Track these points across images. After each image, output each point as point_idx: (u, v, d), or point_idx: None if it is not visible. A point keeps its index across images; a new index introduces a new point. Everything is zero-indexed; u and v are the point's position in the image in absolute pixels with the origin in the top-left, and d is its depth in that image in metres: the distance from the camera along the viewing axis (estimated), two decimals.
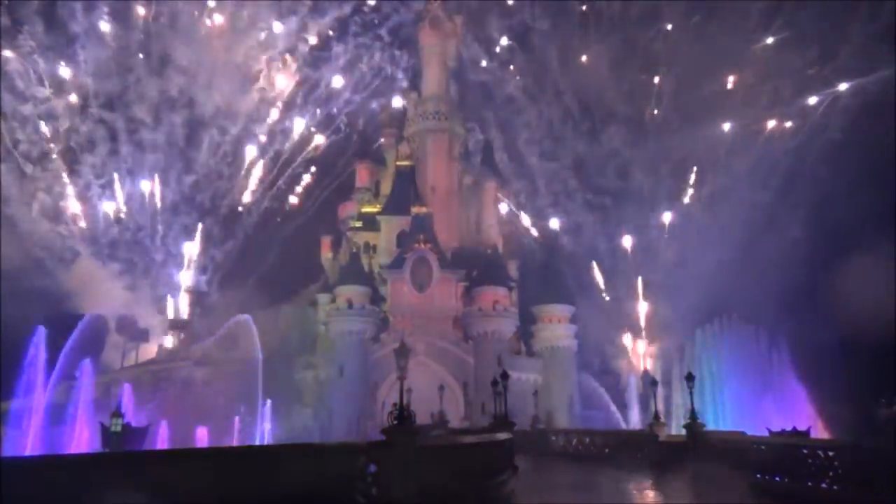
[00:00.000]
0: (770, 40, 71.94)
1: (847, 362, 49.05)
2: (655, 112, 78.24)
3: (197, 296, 71.31)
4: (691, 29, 74.54)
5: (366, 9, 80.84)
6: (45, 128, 71.49)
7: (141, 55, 75.22)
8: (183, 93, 75.39)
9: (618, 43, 78.42)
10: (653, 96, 78.70)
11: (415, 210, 60.81)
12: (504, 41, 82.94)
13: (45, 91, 71.29)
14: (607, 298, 70.51)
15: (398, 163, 66.72)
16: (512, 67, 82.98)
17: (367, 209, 66.12)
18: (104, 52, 73.18)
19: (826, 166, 63.65)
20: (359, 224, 65.05)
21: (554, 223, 75.33)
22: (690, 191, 76.64)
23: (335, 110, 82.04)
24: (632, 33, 78.28)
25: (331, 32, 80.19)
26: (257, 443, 44.51)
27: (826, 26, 64.76)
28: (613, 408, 58.73)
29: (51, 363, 54.65)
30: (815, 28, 65.79)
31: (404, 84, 79.88)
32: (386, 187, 68.18)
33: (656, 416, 29.42)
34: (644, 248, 72.98)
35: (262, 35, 78.24)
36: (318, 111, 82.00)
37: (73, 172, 72.71)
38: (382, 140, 74.70)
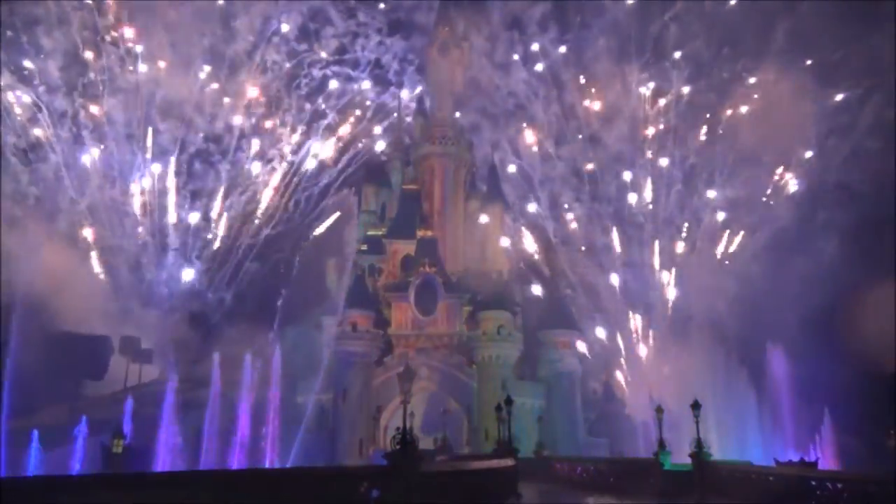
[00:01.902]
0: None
1: (859, 393, 48.24)
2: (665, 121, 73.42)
3: (199, 318, 70.51)
4: (704, 17, 69.15)
5: None
6: None
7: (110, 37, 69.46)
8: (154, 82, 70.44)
9: (624, 32, 72.75)
10: (663, 96, 73.94)
11: (420, 233, 60.91)
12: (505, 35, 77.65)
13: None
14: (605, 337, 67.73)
15: (404, 186, 67.00)
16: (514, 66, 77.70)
17: (372, 232, 66.22)
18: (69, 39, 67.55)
19: (862, 178, 58.32)
20: (364, 247, 65.14)
21: (558, 240, 73.26)
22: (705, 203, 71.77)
23: (321, 102, 77.76)
24: (640, 22, 72.50)
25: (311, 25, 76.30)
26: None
27: (853, 17, 58.50)
28: (618, 435, 58.02)
29: (51, 383, 54.60)
30: (839, 21, 59.12)
31: (398, 74, 77.38)
32: (392, 210, 68.38)
33: (662, 444, 29.07)
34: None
35: (238, 22, 73.65)
36: (308, 105, 77.48)
37: (34, 171, 66.70)
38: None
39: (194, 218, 73.06)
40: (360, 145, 79.05)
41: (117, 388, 59.95)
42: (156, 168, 71.70)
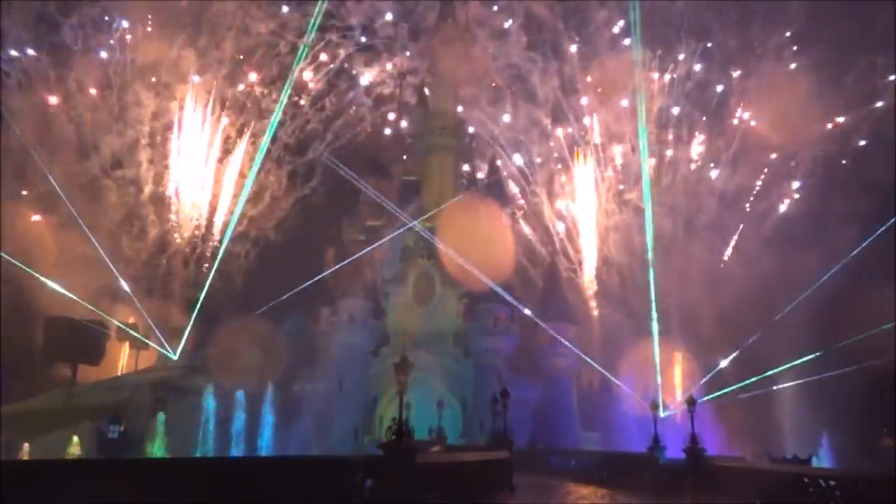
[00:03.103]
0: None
1: (851, 390, 48.23)
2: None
3: (195, 304, 69.27)
4: None
5: None
6: None
7: None
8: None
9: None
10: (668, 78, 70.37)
11: (419, 225, 60.83)
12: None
13: None
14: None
15: (404, 177, 66.83)
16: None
17: (371, 222, 66.08)
18: None
19: (885, 167, 55.02)
20: (363, 237, 65.01)
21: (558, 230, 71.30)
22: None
23: (308, 70, 72.15)
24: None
25: None
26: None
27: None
28: (613, 429, 58.15)
29: (47, 368, 54.67)
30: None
31: (391, 39, 73.47)
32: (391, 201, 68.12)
33: (656, 439, 29.21)
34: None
35: None
36: (295, 74, 70.44)
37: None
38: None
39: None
40: (351, 111, 75.76)
41: (114, 373, 60.01)
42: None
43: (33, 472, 10.81)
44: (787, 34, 67.31)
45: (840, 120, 64.58)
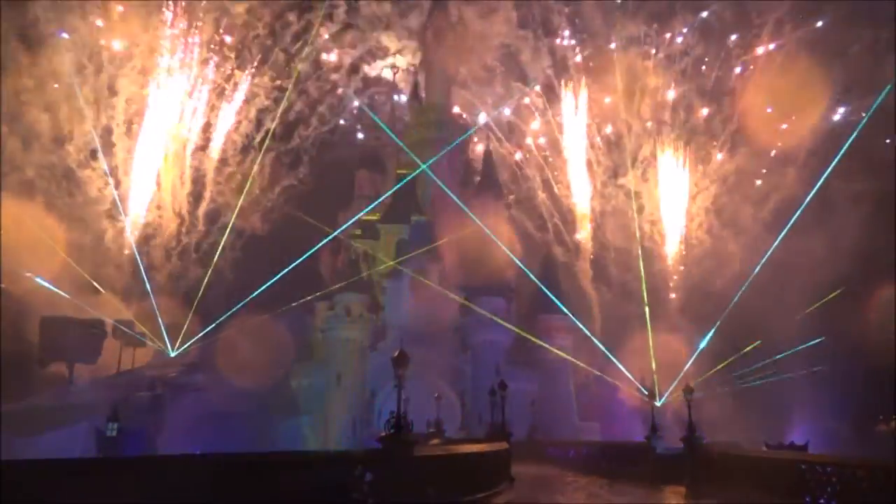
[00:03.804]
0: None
1: (845, 378, 48.43)
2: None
3: (190, 300, 68.56)
4: None
5: None
6: None
7: None
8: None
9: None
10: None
11: (415, 218, 60.76)
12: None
13: None
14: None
15: (399, 171, 66.68)
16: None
17: (366, 217, 66.00)
18: None
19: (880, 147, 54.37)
20: (358, 232, 64.92)
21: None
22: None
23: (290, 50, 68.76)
24: None
25: None
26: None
27: None
28: (611, 419, 58.38)
29: (44, 366, 54.55)
30: None
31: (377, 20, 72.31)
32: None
33: (654, 428, 29.33)
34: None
35: None
36: (282, 54, 68.13)
37: None
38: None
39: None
40: (339, 91, 73.91)
41: (111, 371, 59.75)
42: None
43: (33, 472, 10.80)
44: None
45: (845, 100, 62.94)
